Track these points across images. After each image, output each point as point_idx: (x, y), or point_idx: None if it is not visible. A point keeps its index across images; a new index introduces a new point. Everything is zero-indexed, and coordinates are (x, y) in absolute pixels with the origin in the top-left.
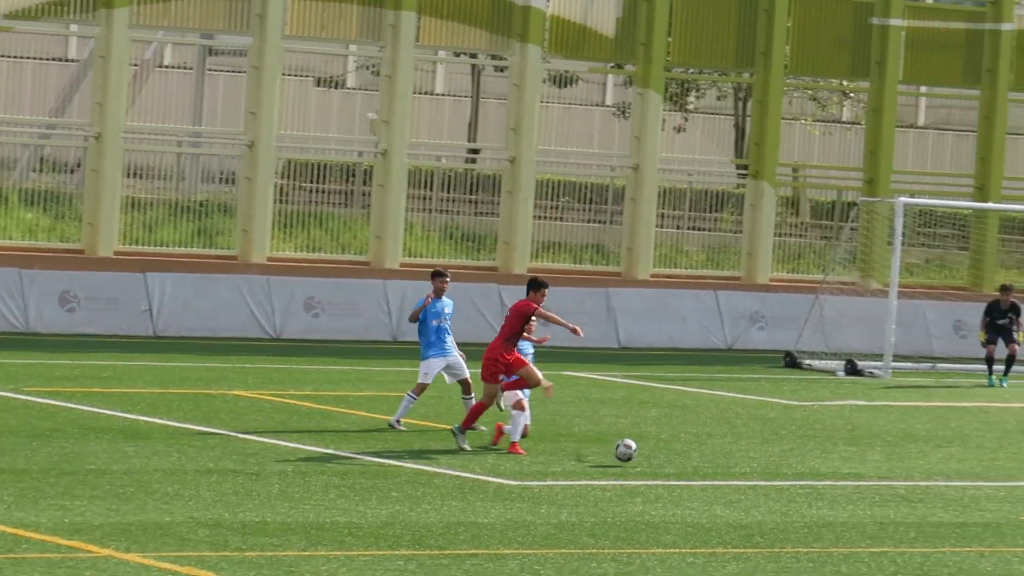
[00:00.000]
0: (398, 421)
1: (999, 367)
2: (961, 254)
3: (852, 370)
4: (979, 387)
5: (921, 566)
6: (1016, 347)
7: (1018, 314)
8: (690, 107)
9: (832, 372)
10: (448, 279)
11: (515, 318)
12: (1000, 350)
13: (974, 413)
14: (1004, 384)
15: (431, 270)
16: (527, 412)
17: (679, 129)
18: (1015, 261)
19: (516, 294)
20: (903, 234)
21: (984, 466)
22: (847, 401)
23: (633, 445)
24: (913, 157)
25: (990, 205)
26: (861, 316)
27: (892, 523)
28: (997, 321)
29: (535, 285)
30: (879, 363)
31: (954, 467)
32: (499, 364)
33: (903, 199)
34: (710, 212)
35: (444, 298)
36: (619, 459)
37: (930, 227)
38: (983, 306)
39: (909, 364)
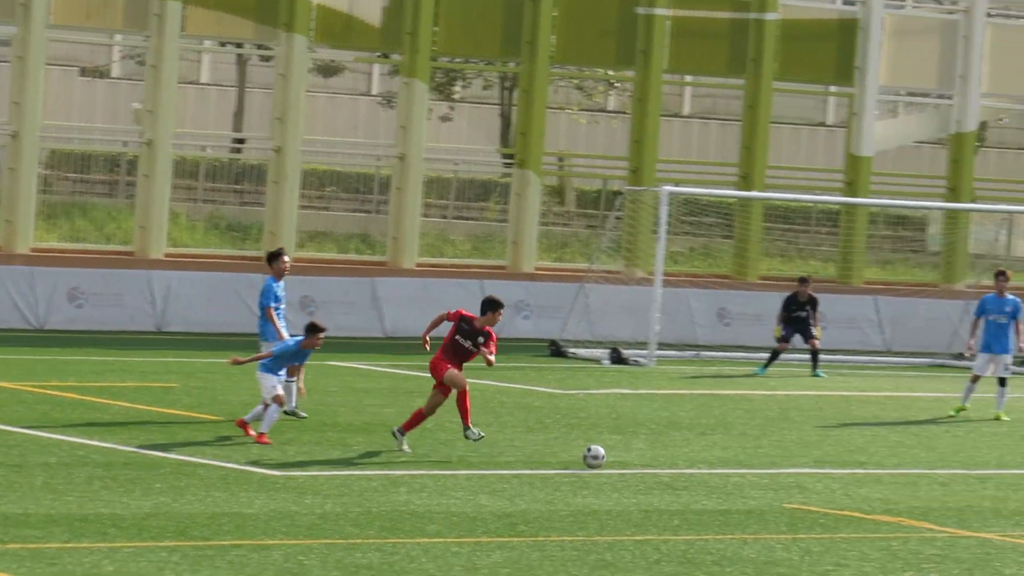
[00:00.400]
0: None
1: (800, 362)
2: (725, 243)
3: (617, 358)
4: (753, 376)
5: (685, 553)
6: (816, 342)
7: (815, 307)
8: (456, 96)
9: (597, 360)
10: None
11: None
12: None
13: (737, 401)
14: (822, 375)
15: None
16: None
17: (445, 118)
18: (778, 249)
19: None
20: (668, 223)
21: (747, 453)
22: (612, 390)
23: (600, 454)
24: (678, 146)
25: (754, 194)
26: (626, 305)
27: (656, 511)
28: (794, 314)
29: (493, 305)
30: (644, 351)
31: (717, 455)
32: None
33: (668, 188)
34: (476, 201)
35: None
36: (589, 467)
37: (695, 216)
38: (748, 295)
39: (673, 352)
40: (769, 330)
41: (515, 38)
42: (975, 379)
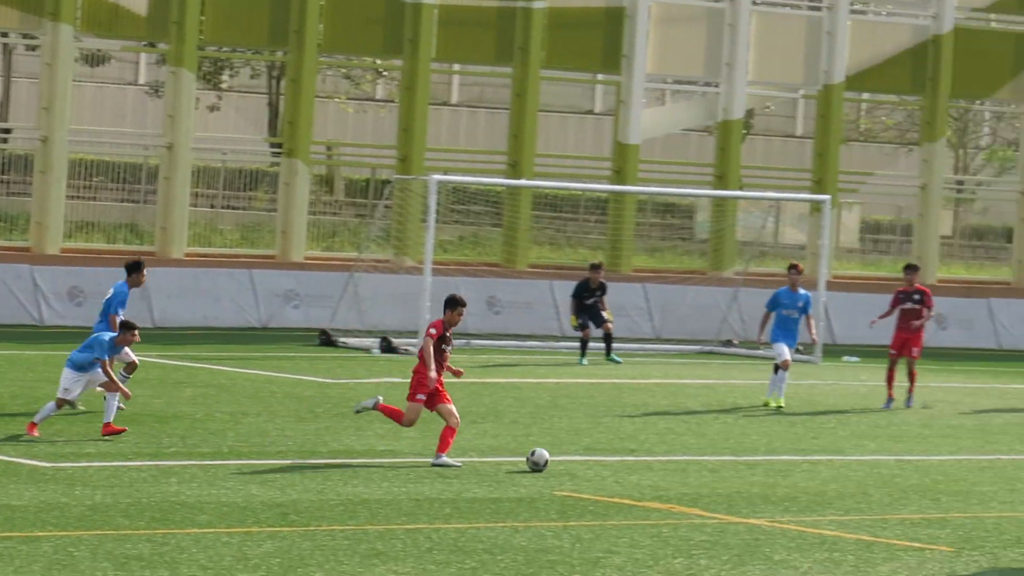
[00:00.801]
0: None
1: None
2: (495, 231)
3: (387, 347)
4: (540, 364)
5: (456, 542)
6: (609, 326)
7: (604, 292)
8: (224, 86)
9: (367, 350)
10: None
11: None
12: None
13: (507, 389)
14: (619, 361)
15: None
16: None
17: (213, 108)
18: (547, 237)
19: (49, 275)
20: (437, 211)
21: (518, 442)
22: (382, 379)
23: (543, 459)
24: (447, 134)
25: (523, 182)
26: (396, 293)
27: (427, 499)
28: (587, 301)
29: (452, 303)
30: (414, 340)
31: (488, 443)
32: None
33: (436, 176)
34: (245, 191)
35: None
36: (534, 469)
37: (464, 204)
38: (517, 283)
39: None
40: (539, 317)
41: (282, 27)
42: (778, 368)
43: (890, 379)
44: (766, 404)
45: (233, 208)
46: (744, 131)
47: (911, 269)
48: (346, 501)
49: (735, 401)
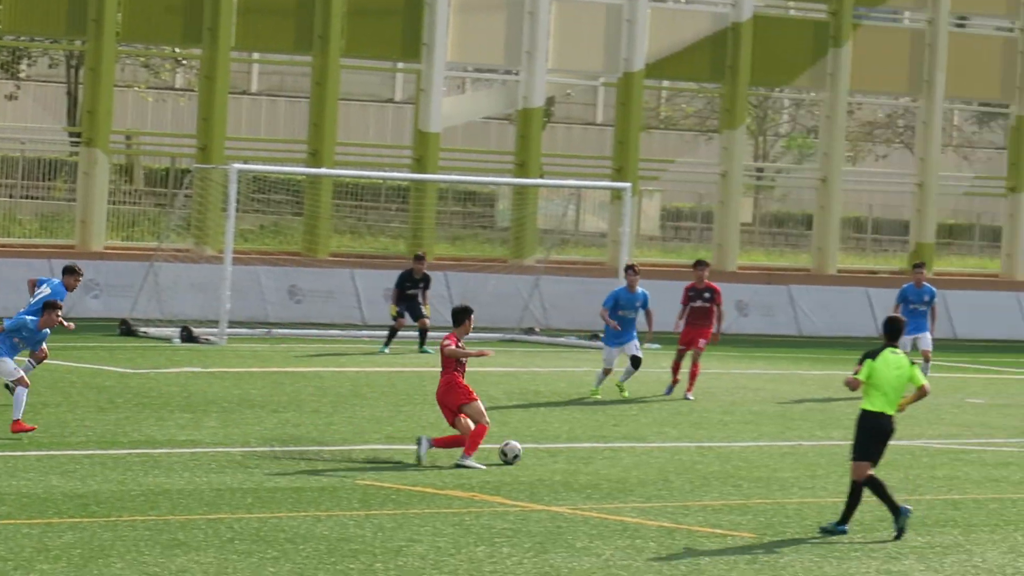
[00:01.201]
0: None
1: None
2: (295, 220)
3: (188, 337)
4: (344, 353)
5: (258, 531)
6: (426, 321)
7: (427, 285)
8: (22, 75)
9: (168, 339)
10: None
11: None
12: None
13: (309, 378)
14: (429, 351)
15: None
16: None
17: (11, 97)
18: (348, 226)
19: None
20: (237, 200)
21: (320, 431)
22: (183, 368)
23: (513, 451)
24: (247, 123)
25: (323, 171)
26: (196, 283)
27: (229, 489)
28: (408, 291)
29: (461, 314)
30: (215, 329)
31: (290, 432)
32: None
33: (237, 165)
34: (44, 180)
35: None
36: (505, 461)
37: (264, 193)
38: (318, 272)
39: (244, 330)
40: (341, 306)
41: (81, 16)
42: (606, 372)
43: (675, 368)
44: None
45: (32, 198)
46: (544, 119)
47: (701, 265)
48: (147, 491)
49: (537, 389)
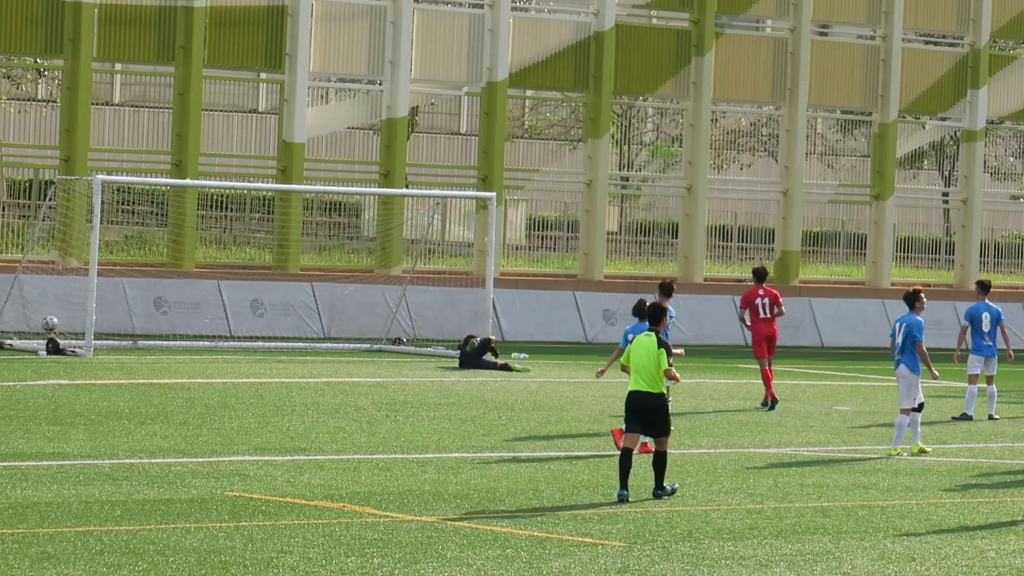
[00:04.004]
0: None
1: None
2: (160, 231)
3: (54, 349)
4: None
5: (127, 544)
6: None
7: None
8: None
9: (34, 351)
10: None
11: None
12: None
13: (177, 389)
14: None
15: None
16: None
17: None
18: (214, 237)
19: None
20: (102, 212)
21: (188, 442)
22: (49, 380)
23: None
24: (110, 134)
25: (188, 182)
26: (61, 295)
27: (97, 502)
28: None
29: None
30: (81, 341)
31: (158, 444)
32: None
33: (101, 177)
34: None
35: None
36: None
37: (129, 204)
38: (184, 283)
39: (111, 341)
40: (207, 317)
41: None
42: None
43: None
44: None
45: None
46: (409, 129)
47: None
48: (15, 504)
49: (406, 399)
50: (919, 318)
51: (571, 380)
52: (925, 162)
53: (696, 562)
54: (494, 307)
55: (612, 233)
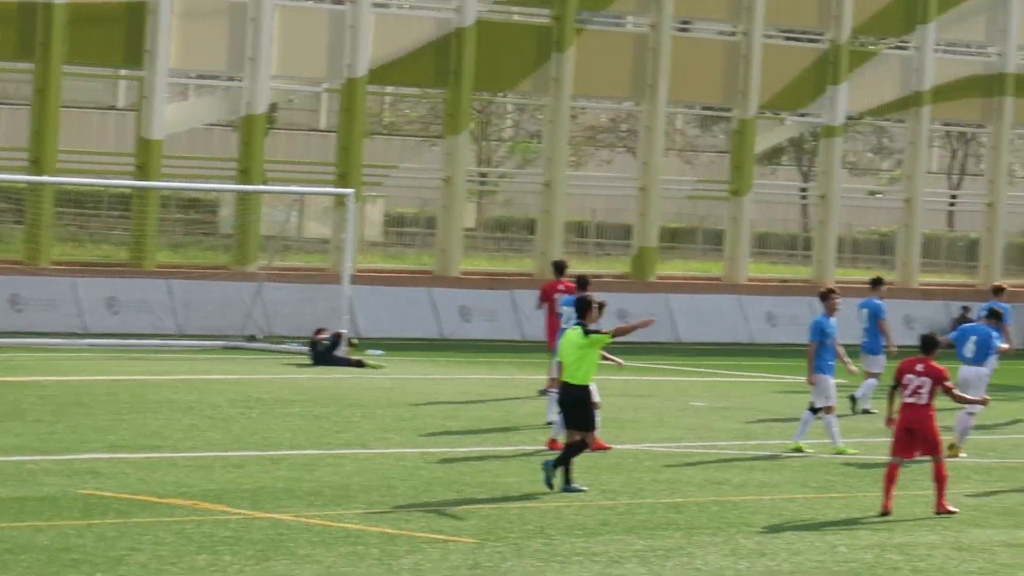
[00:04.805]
0: None
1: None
2: (17, 228)
3: None
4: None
5: None
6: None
7: None
8: None
9: None
10: None
11: None
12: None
13: (31, 387)
14: None
15: None
16: None
17: None
18: (71, 234)
19: None
20: None
21: (42, 440)
22: None
23: None
24: None
25: (45, 179)
26: None
27: None
28: None
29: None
30: None
31: (11, 442)
32: None
33: None
34: None
35: None
36: None
37: None
38: (41, 280)
39: None
40: (63, 315)
41: None
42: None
43: None
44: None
45: None
46: (268, 125)
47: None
48: None
49: (260, 396)
50: (821, 319)
51: (426, 377)
52: (784, 158)
53: (547, 558)
54: (351, 304)
55: (469, 229)
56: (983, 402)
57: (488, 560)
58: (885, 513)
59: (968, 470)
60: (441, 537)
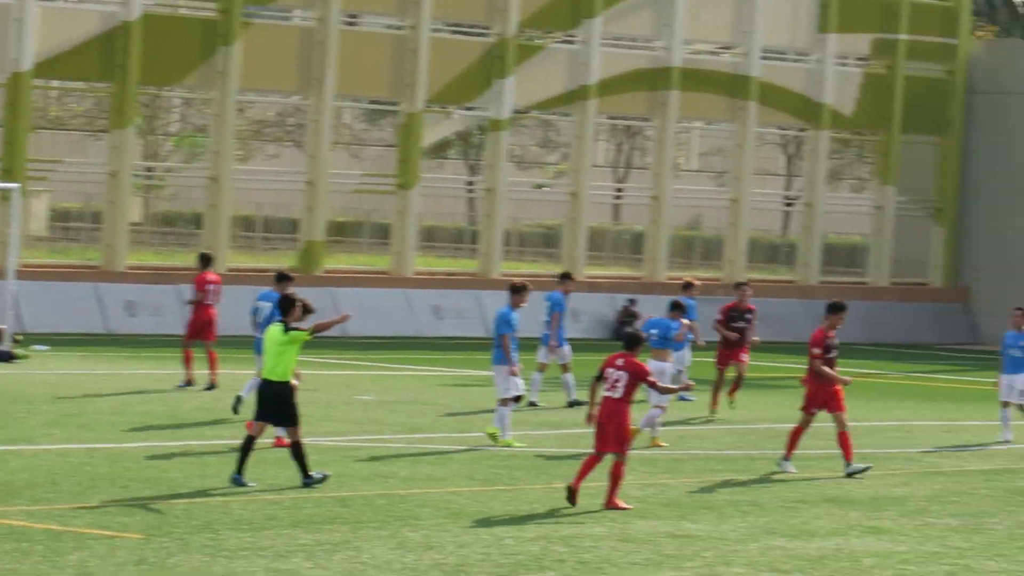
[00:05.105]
0: None
1: None
2: None
3: None
4: None
5: None
6: None
7: None
8: None
9: None
10: None
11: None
12: None
13: None
14: None
15: None
16: None
17: None
18: None
19: None
20: None
21: None
22: None
23: None
24: None
25: None
26: None
27: None
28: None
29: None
30: None
31: None
32: None
33: None
34: None
35: None
36: None
37: None
38: None
39: None
40: None
41: None
42: None
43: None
44: None
45: None
46: None
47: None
48: None
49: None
50: (506, 311)
51: (92, 372)
52: (451, 152)
53: (214, 553)
54: (16, 300)
55: (136, 224)
56: (687, 388)
57: (154, 556)
58: (570, 490)
59: (634, 462)
60: (107, 533)
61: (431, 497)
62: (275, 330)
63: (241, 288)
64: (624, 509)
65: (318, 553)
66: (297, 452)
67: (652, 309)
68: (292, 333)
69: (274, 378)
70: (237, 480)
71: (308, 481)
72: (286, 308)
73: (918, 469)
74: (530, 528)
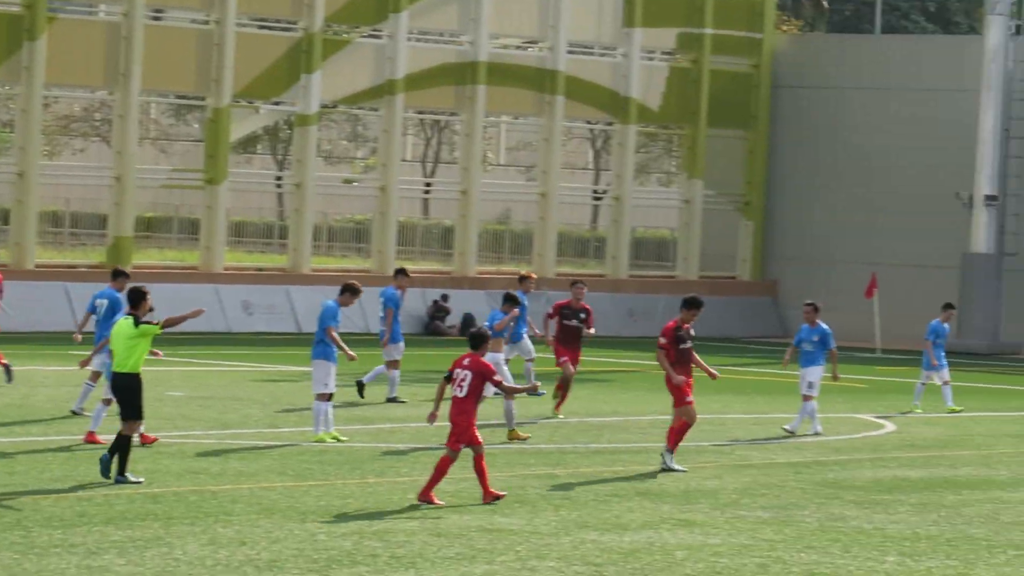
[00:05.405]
0: None
1: None
2: None
3: None
4: None
5: None
6: None
7: None
8: None
9: None
10: None
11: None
12: None
13: None
14: None
15: None
16: None
17: None
18: None
19: None
20: None
21: None
22: None
23: None
24: None
25: None
26: None
27: None
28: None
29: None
30: None
31: None
32: None
33: None
34: None
35: None
36: None
37: None
38: None
39: None
40: None
41: None
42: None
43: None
44: None
45: None
46: None
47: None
48: None
49: None
50: (333, 305)
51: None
52: (259, 147)
53: (25, 550)
54: None
55: None
56: (533, 389)
57: None
58: (423, 501)
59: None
60: None
61: (243, 493)
62: (125, 324)
63: (51, 284)
64: (499, 497)
65: (130, 550)
66: (123, 446)
67: (464, 304)
68: (143, 327)
69: (124, 370)
70: (121, 479)
71: (121, 479)
72: (136, 301)
73: (728, 462)
74: (343, 523)
